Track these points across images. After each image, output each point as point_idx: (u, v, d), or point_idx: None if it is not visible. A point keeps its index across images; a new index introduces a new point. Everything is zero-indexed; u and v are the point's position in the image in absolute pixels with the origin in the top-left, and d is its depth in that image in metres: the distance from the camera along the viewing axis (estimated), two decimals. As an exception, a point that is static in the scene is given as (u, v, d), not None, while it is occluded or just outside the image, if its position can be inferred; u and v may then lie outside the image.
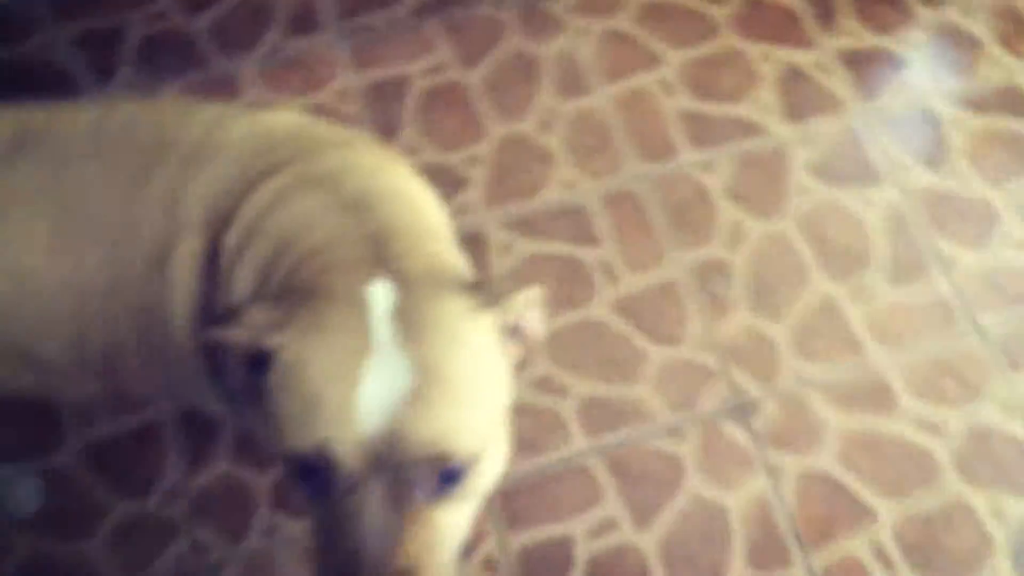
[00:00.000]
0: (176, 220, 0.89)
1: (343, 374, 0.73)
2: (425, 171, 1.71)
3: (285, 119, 0.97)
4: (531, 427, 1.52)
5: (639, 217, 1.69)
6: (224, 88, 1.74)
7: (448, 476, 0.74)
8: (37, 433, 1.49)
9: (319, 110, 1.74)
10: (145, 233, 0.89)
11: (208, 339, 0.78)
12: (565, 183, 1.71)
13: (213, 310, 0.89)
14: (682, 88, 1.81)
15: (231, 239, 0.87)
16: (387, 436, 0.72)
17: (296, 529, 1.44)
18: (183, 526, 1.44)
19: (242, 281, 0.87)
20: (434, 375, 0.73)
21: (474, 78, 1.79)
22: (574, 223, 1.68)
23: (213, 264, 0.89)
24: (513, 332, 0.82)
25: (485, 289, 0.80)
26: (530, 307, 0.82)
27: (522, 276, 1.60)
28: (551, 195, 1.70)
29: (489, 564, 1.43)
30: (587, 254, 1.66)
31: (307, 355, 0.74)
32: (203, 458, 1.48)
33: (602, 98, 1.79)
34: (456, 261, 0.90)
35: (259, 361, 0.78)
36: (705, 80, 1.82)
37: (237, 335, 0.76)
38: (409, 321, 0.75)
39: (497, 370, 0.79)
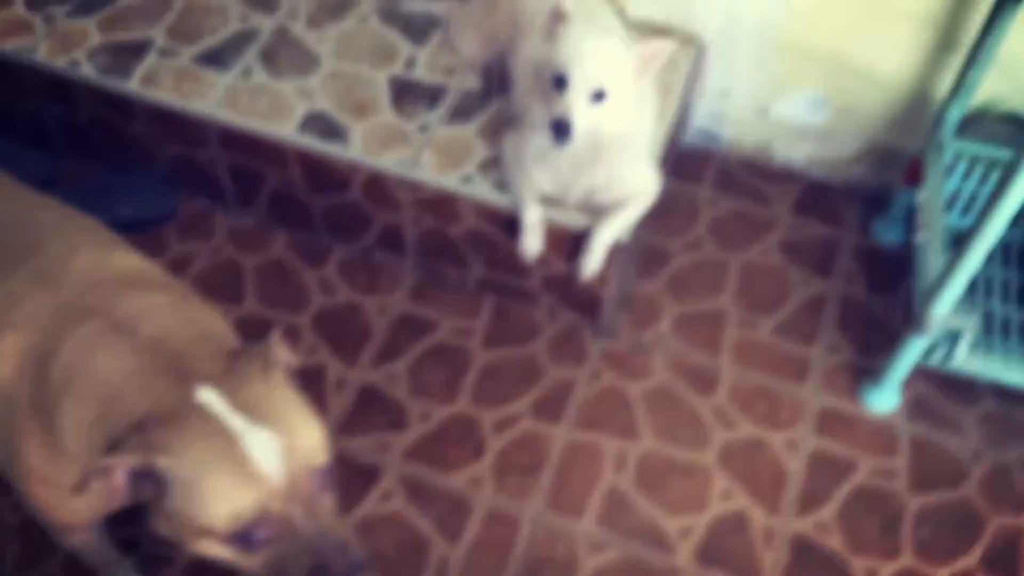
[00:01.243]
0: (9, 314, 1.18)
1: (235, 462, 1.01)
2: (364, 393, 1.96)
3: (126, 263, 1.27)
4: None
5: (498, 550, 1.79)
6: (314, 255, 2.13)
7: (325, 475, 1.09)
8: None
9: (356, 309, 2.06)
10: None
11: (100, 466, 1.00)
12: (473, 478, 1.86)
13: (41, 408, 1.15)
14: (634, 471, 1.89)
15: (56, 371, 1.13)
16: (291, 480, 1.03)
17: None
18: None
19: (73, 417, 1.12)
20: (284, 425, 1.05)
21: (483, 357, 2.02)
22: (446, 510, 1.82)
23: (39, 377, 1.14)
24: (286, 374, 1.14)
25: (258, 354, 1.11)
26: (280, 352, 1.13)
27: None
28: (458, 479, 1.86)
29: None
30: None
31: (198, 466, 1.01)
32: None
33: (564, 432, 1.93)
34: (207, 323, 1.22)
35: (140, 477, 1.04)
36: (656, 479, 1.88)
37: (128, 458, 1.00)
38: (243, 405, 1.04)
39: (300, 399, 1.13)
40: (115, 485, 1.03)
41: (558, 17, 1.58)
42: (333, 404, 1.94)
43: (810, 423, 1.97)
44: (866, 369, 2.03)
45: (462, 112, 1.99)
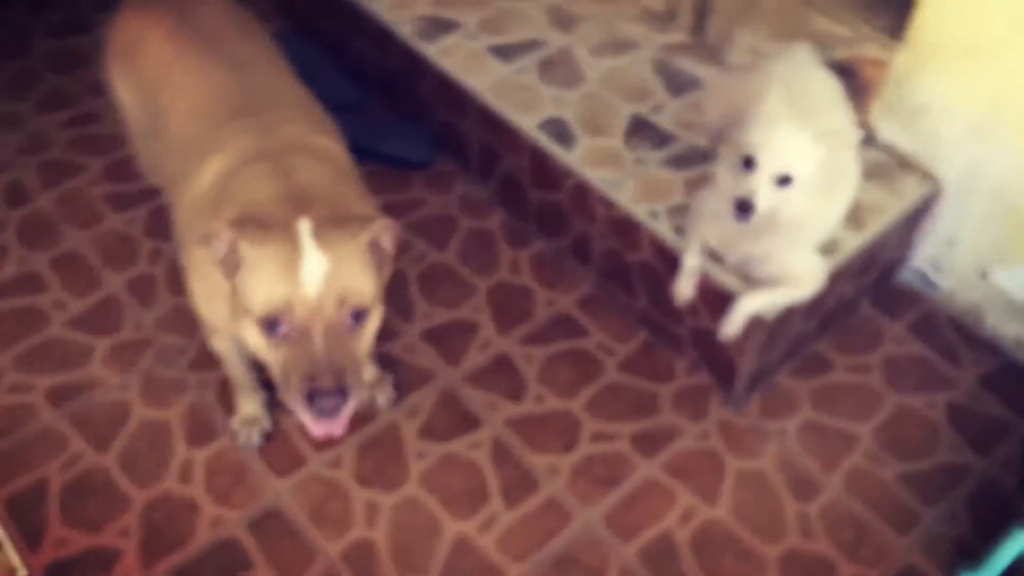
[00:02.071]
0: (229, 144, 1.59)
1: (291, 265, 1.32)
2: (500, 360, 2.20)
3: (320, 143, 1.64)
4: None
5: (290, 534, 1.91)
6: (518, 239, 2.42)
7: (356, 316, 1.37)
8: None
9: (528, 293, 2.32)
10: (225, 132, 1.62)
11: (212, 229, 1.39)
12: (553, 467, 2.04)
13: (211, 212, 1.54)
14: (694, 530, 1.97)
15: (231, 185, 1.53)
16: (320, 297, 1.33)
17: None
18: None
19: (227, 212, 1.50)
20: (340, 264, 1.34)
21: (613, 376, 2.19)
22: (517, 480, 2.01)
23: (220, 188, 1.55)
24: (375, 245, 1.43)
25: (360, 220, 1.40)
26: (381, 232, 1.42)
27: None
28: (540, 461, 2.04)
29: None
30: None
31: (263, 257, 1.34)
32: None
33: (650, 468, 2.05)
34: (352, 203, 1.54)
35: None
36: (711, 547, 1.95)
37: (229, 232, 1.36)
38: (322, 239, 1.34)
39: (369, 264, 1.40)
40: (219, 251, 1.38)
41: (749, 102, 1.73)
42: (472, 356, 2.20)
43: (890, 572, 1.93)
44: (974, 551, 1.95)
45: (679, 161, 2.18)
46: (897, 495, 2.03)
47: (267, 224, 1.39)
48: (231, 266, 1.39)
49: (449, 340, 2.22)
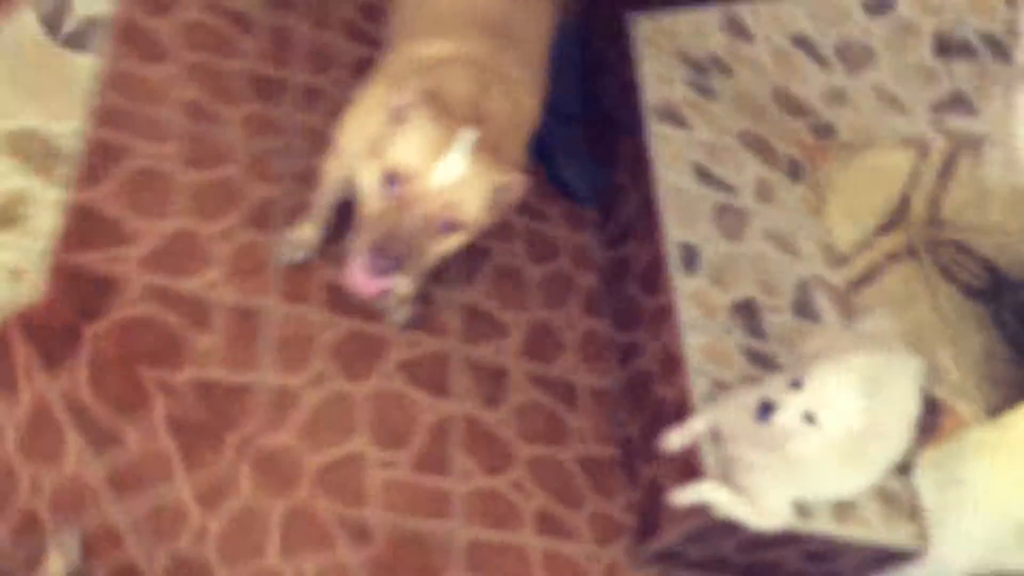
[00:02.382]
0: (464, 43, 1.80)
1: (438, 151, 1.53)
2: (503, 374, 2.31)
3: (519, 93, 1.85)
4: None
5: (254, 336, 2.05)
6: (597, 307, 2.56)
7: (447, 226, 1.58)
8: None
9: (559, 340, 2.45)
10: (468, 32, 1.83)
11: (406, 83, 1.62)
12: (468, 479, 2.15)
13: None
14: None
15: (444, 69, 1.75)
16: (438, 190, 1.53)
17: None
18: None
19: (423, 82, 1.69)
20: (469, 180, 1.54)
21: (571, 455, 2.29)
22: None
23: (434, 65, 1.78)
24: (503, 189, 1.63)
25: (509, 163, 1.63)
26: (515, 184, 1.63)
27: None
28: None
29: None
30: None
31: (428, 131, 1.55)
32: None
33: (529, 539, 2.14)
34: (513, 151, 1.74)
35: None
36: None
37: (409, 95, 1.56)
38: (473, 152, 1.54)
39: (488, 198, 1.60)
40: (399, 102, 1.58)
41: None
42: (483, 348, 2.35)
43: None
44: None
45: (756, 358, 2.31)
46: None
47: (447, 112, 1.59)
48: (397, 118, 1.59)
49: (477, 324, 2.37)
